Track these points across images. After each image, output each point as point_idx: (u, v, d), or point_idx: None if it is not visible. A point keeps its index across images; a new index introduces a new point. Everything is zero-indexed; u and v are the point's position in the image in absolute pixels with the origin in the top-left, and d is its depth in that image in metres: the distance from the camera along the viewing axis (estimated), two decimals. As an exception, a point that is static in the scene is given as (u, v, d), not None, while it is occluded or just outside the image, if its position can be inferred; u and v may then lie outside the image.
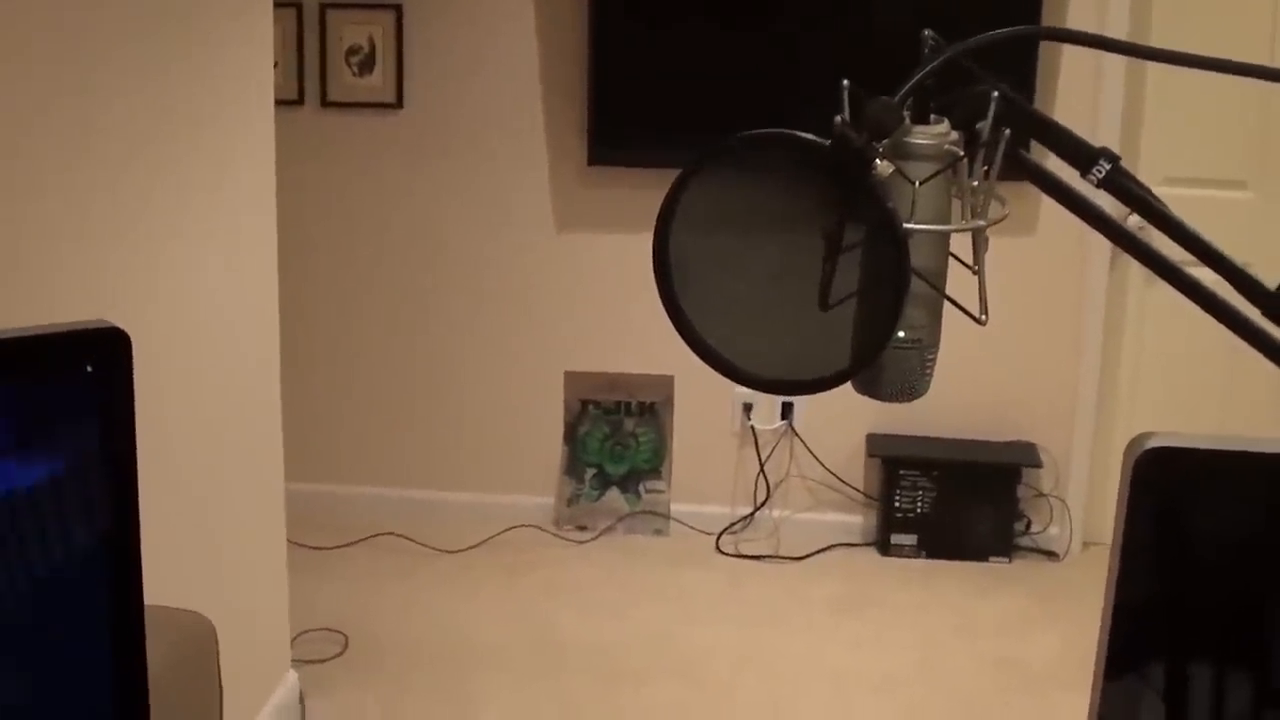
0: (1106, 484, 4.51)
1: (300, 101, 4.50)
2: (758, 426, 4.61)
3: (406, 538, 4.51)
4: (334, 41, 4.45)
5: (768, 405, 4.59)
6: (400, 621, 3.99)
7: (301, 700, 3.47)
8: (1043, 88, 4.22)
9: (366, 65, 4.46)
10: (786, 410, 4.59)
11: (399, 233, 4.59)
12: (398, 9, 4.41)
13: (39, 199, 2.17)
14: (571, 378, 4.63)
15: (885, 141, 1.09)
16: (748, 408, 4.59)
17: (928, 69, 1.11)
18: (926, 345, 1.17)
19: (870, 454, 4.55)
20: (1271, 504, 1.02)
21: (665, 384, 4.60)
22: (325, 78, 4.48)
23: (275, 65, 4.38)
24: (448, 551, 4.45)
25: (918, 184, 1.10)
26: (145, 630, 1.25)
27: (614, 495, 4.66)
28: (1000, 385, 4.50)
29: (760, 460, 4.63)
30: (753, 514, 4.64)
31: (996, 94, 1.14)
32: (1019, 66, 4.14)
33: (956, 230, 1.14)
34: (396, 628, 3.95)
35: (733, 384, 4.38)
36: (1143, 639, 1.06)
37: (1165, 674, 1.06)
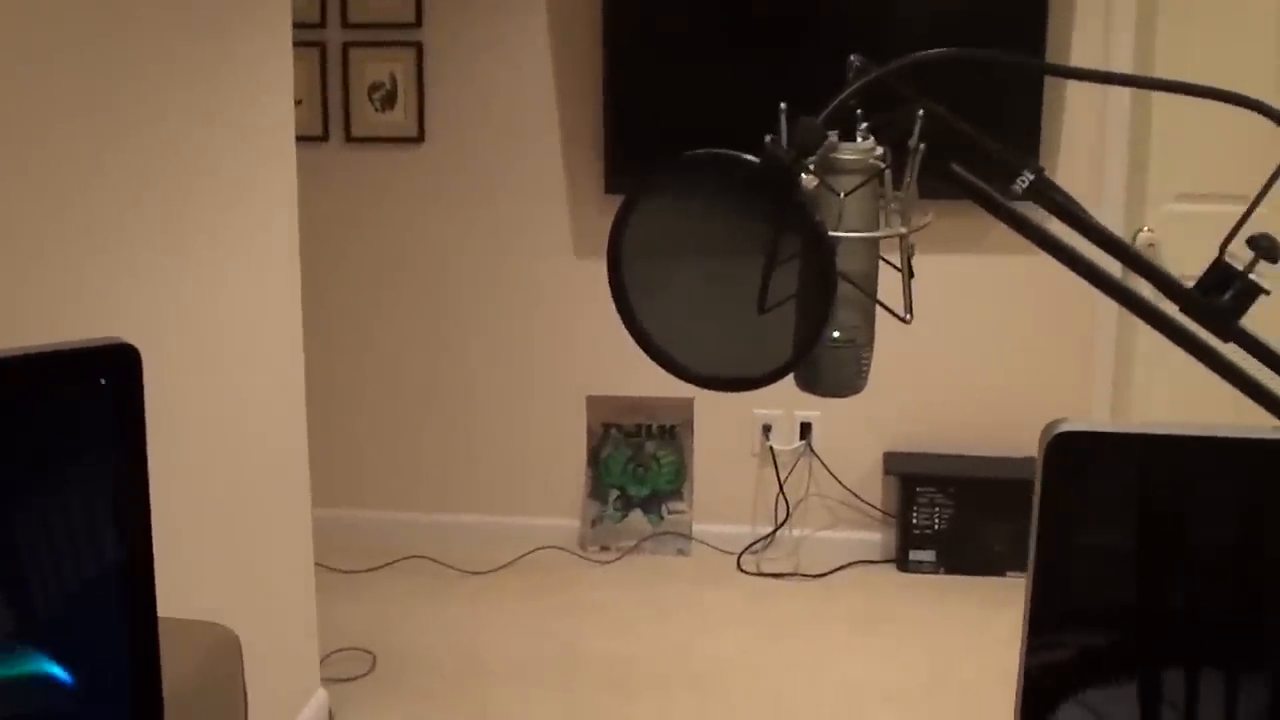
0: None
1: (325, 138, 4.63)
2: (776, 447, 4.69)
3: (434, 560, 4.63)
4: (356, 78, 4.59)
5: (786, 426, 4.67)
6: (427, 641, 4.09)
7: (331, 717, 3.58)
8: (1051, 109, 4.32)
9: (388, 101, 4.59)
10: (805, 430, 4.67)
11: (422, 262, 4.71)
12: (418, 46, 4.55)
13: (62, 219, 2.29)
14: (594, 402, 4.73)
15: (813, 158, 1.19)
16: (767, 429, 4.68)
17: (849, 91, 1.21)
18: (861, 344, 1.27)
19: (888, 472, 4.63)
20: (1172, 482, 1.11)
21: (685, 407, 4.69)
22: (349, 114, 4.61)
23: (300, 103, 4.52)
24: (474, 573, 4.55)
25: (843, 195, 1.20)
26: (159, 642, 1.29)
27: (637, 516, 4.76)
28: (1015, 401, 4.57)
29: (780, 480, 4.71)
30: (773, 533, 4.73)
31: (922, 112, 1.24)
32: (1028, 90, 4.25)
33: (880, 236, 1.24)
34: (423, 647, 4.05)
35: (752, 406, 4.42)
36: (1060, 608, 1.15)
37: (1081, 638, 1.14)
